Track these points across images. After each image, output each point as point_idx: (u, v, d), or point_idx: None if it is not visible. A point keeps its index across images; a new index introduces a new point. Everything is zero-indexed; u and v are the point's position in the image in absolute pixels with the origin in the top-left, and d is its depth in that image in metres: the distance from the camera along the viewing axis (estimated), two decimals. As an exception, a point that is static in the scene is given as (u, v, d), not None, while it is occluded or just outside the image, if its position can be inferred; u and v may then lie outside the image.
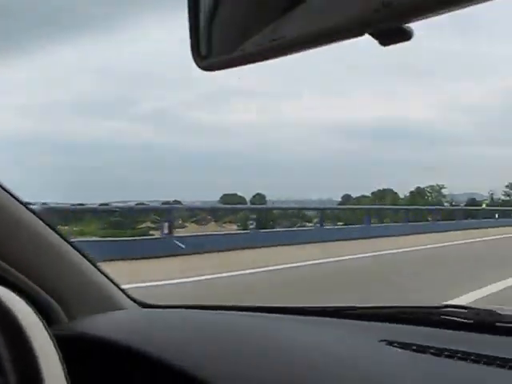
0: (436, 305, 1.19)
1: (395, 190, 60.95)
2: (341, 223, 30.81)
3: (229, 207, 22.55)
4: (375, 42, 0.42)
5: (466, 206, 47.34)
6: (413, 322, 1.15)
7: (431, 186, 63.16)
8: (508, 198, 69.73)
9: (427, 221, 22.40)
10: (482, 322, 1.04)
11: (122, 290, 1.32)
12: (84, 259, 1.25)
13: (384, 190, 59.69)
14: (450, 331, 1.07)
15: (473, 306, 1.13)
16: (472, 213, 30.50)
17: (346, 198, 57.87)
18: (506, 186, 72.47)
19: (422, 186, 63.12)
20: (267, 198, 44.20)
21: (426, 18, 0.42)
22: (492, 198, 65.32)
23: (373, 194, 60.09)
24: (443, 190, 61.51)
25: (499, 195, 68.37)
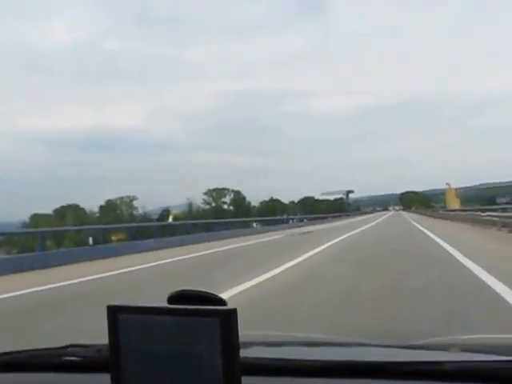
0: (58, 346, 1.15)
1: (82, 206, 56.94)
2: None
3: None
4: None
5: (158, 219, 46.65)
6: (29, 367, 1.10)
7: (121, 198, 60.85)
8: (208, 207, 72.09)
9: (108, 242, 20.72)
10: (103, 359, 1.03)
11: None
12: None
13: (68, 205, 55.42)
14: (67, 374, 1.05)
15: (97, 344, 1.09)
16: (172, 227, 28.89)
17: (33, 218, 52.32)
18: (205, 193, 74.62)
19: (113, 198, 60.63)
20: None
21: None
22: (190, 208, 66.05)
23: (55, 211, 55.28)
24: (134, 202, 59.25)
25: (199, 203, 69.42)
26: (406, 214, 75.69)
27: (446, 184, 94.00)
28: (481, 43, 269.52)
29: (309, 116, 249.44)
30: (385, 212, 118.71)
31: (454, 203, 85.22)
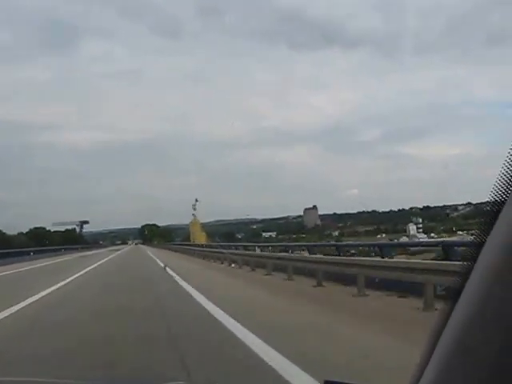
0: None
1: None
2: None
3: None
4: None
5: None
6: None
7: None
8: None
9: None
10: None
11: None
12: None
13: None
14: None
15: None
16: None
17: None
18: None
19: None
20: None
21: None
22: None
23: None
24: None
25: None
26: (149, 250, 62.10)
27: (193, 215, 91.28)
28: (214, 94, 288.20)
29: (47, 147, 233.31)
30: (123, 246, 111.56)
31: (200, 237, 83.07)
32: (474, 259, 0.71)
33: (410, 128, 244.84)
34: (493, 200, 0.70)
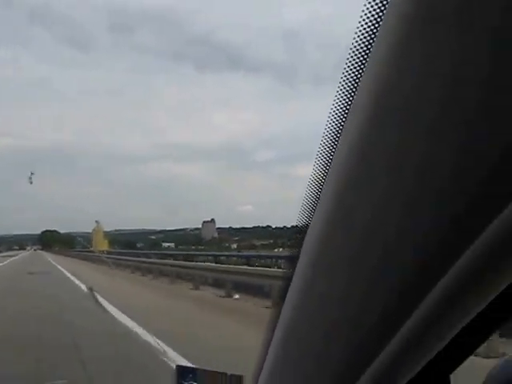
0: None
1: None
2: None
3: None
4: None
5: None
6: None
7: None
8: None
9: None
10: None
11: None
12: None
13: None
14: None
15: None
16: None
17: None
18: None
19: None
20: None
21: None
22: None
23: None
24: None
25: None
26: (50, 257, 54.96)
27: (96, 221, 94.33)
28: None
29: None
30: (21, 251, 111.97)
31: (103, 244, 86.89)
32: (294, 267, 0.82)
33: (303, 152, 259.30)
34: (300, 223, 0.81)
